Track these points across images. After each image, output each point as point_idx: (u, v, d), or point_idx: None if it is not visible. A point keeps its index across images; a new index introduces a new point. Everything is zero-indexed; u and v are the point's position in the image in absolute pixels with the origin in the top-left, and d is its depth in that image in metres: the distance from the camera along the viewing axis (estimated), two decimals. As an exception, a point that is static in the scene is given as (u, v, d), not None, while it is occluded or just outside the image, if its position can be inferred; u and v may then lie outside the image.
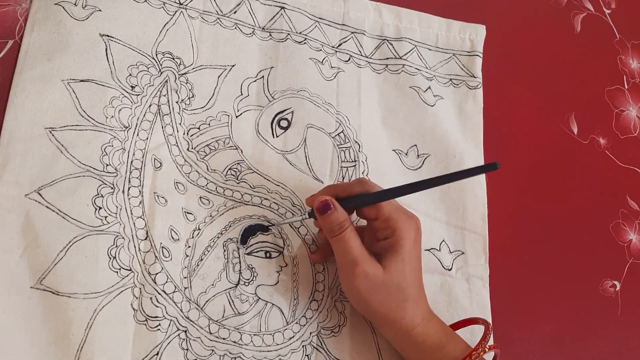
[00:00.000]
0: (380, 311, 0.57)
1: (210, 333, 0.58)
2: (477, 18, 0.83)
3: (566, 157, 0.82)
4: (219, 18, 0.69)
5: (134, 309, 0.57)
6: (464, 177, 0.57)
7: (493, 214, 0.74)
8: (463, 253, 0.71)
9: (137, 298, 0.57)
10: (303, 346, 0.61)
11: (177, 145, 0.63)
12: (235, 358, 0.58)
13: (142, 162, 0.61)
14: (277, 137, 0.68)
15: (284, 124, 0.68)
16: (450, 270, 0.70)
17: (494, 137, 0.78)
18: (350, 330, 0.63)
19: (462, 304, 0.69)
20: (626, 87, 0.90)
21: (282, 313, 0.62)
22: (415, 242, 0.59)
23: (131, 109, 0.62)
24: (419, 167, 0.73)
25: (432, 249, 0.70)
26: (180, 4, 0.68)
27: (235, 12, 0.70)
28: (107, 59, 0.63)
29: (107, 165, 0.60)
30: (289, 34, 0.71)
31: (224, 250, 0.61)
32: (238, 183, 0.64)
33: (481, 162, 0.76)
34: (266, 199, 0.65)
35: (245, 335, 0.59)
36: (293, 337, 0.61)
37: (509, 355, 0.69)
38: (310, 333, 0.62)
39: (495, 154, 0.77)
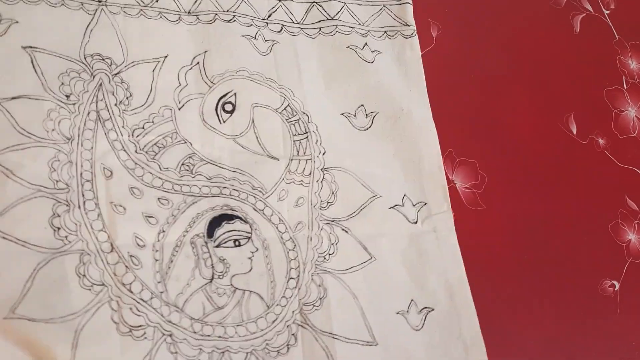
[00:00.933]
0: None
1: (195, 332, 0.58)
2: (477, 18, 0.83)
3: (565, 158, 0.82)
4: (142, 9, 0.67)
5: (115, 322, 0.56)
6: None
7: (493, 213, 0.74)
8: (426, 204, 0.72)
9: (116, 311, 0.56)
10: (287, 326, 0.62)
11: (124, 150, 0.62)
12: (223, 352, 0.59)
13: (92, 172, 0.60)
14: (224, 122, 0.66)
15: (228, 107, 0.67)
16: (416, 223, 0.71)
17: (494, 137, 0.78)
18: (331, 301, 0.64)
19: (432, 255, 0.70)
20: (625, 87, 0.90)
21: (262, 298, 0.62)
22: None
23: (70, 119, 0.60)
24: (369, 127, 0.73)
25: (395, 205, 0.71)
26: (100, 1, 0.65)
27: (157, 1, 0.68)
28: (35, 71, 0.60)
29: (57, 181, 0.58)
30: (216, 14, 0.70)
31: (193, 248, 0.61)
32: (194, 177, 0.63)
33: (428, 111, 0.76)
34: (225, 187, 0.64)
35: (229, 327, 0.60)
36: (276, 319, 0.62)
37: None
38: (293, 312, 0.62)
39: (494, 153, 0.77)
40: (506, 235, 0.74)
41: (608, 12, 0.94)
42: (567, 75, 0.87)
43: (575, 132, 0.83)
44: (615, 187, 0.83)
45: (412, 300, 0.68)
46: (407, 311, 0.67)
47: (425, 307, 0.68)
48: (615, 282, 0.77)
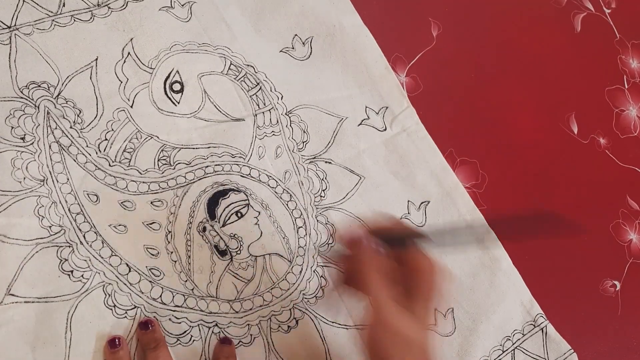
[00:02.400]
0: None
1: (237, 312, 0.60)
2: (477, 17, 0.81)
3: (566, 157, 0.81)
4: (53, 20, 0.63)
5: (165, 335, 0.57)
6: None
7: (494, 213, 0.74)
8: (387, 107, 0.74)
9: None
10: (314, 271, 0.65)
11: (99, 168, 0.60)
12: (269, 319, 0.61)
13: (79, 203, 0.58)
14: (178, 103, 0.65)
15: (176, 87, 0.66)
16: (385, 130, 0.73)
17: (494, 136, 0.77)
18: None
19: (410, 153, 0.73)
20: (626, 86, 0.89)
21: (281, 256, 0.64)
22: (430, 293, 0.53)
23: (36, 159, 0.58)
24: (310, 54, 0.73)
25: (362, 120, 0.72)
26: (9, 26, 0.61)
27: (64, 5, 0.64)
28: (-21, 125, 0.57)
29: (49, 227, 0.57)
30: (125, -4, 0.66)
31: (202, 236, 0.62)
32: (174, 167, 0.63)
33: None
34: (207, 166, 0.64)
35: (266, 294, 0.62)
36: (301, 269, 0.64)
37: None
38: (313, 257, 0.65)
39: (495, 153, 0.77)
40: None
41: (609, 11, 0.92)
42: (568, 75, 0.86)
43: (576, 132, 0.83)
44: (617, 186, 0.83)
45: (408, 200, 0.71)
46: (409, 212, 0.71)
47: (422, 202, 0.71)
48: (616, 282, 0.78)
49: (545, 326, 0.70)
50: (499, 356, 0.67)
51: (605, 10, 0.92)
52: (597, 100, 0.87)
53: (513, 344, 0.69)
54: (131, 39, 0.65)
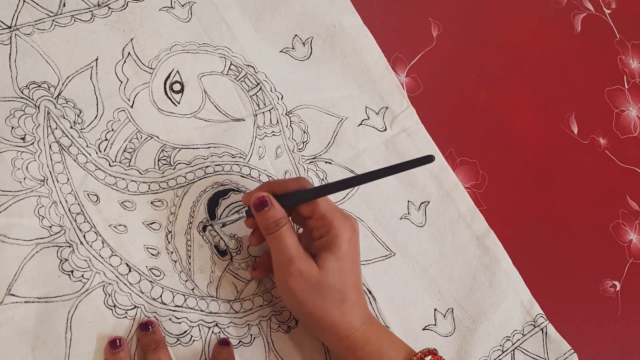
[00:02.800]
0: (316, 313, 0.55)
1: (237, 312, 0.60)
2: (477, 17, 0.81)
3: (566, 157, 0.81)
4: (53, 20, 0.63)
5: (165, 335, 0.57)
6: (400, 170, 0.55)
7: (494, 213, 0.74)
8: (387, 107, 0.74)
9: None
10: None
11: (99, 168, 0.60)
12: (269, 319, 0.61)
13: (79, 204, 0.58)
14: (178, 103, 0.65)
15: (177, 87, 0.66)
16: (385, 130, 0.73)
17: (494, 137, 0.77)
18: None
19: (410, 153, 0.73)
20: (626, 87, 0.89)
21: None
22: (351, 241, 0.56)
23: (36, 159, 0.58)
24: (310, 54, 0.73)
25: (362, 121, 0.72)
26: (9, 26, 0.61)
27: (64, 5, 0.64)
28: (-20, 126, 0.57)
29: (50, 227, 0.57)
30: (126, -3, 0.67)
31: (202, 236, 0.62)
32: (174, 167, 0.63)
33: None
34: (207, 166, 0.64)
35: (266, 294, 0.62)
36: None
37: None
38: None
39: (495, 153, 0.76)
40: (507, 234, 0.73)
41: (609, 11, 0.92)
42: (568, 75, 0.86)
43: (576, 132, 0.83)
44: (617, 187, 0.83)
45: (408, 201, 0.71)
46: (409, 213, 0.71)
47: (422, 203, 0.72)
48: (616, 283, 0.77)
49: (546, 326, 0.70)
50: (498, 356, 0.68)
51: (605, 11, 0.91)
52: (597, 100, 0.87)
53: (513, 344, 0.69)
54: (131, 39, 0.65)
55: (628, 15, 0.93)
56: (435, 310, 0.68)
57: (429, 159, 0.52)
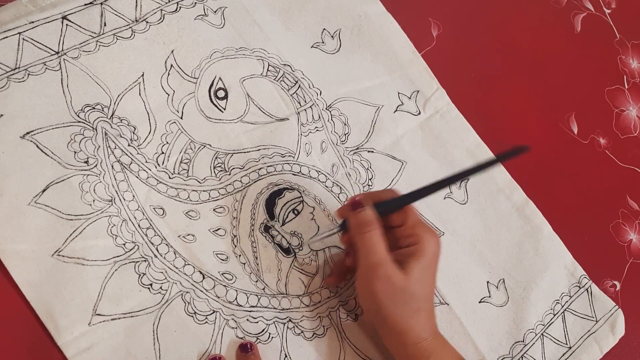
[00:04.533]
0: (392, 318, 0.56)
1: (307, 306, 0.63)
2: (477, 17, 0.81)
3: (566, 157, 0.81)
4: (97, 41, 0.64)
5: (240, 338, 0.60)
6: (489, 166, 0.58)
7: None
8: (419, 91, 0.76)
9: (235, 328, 0.60)
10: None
11: (161, 182, 0.62)
12: (337, 309, 0.64)
13: (147, 218, 0.60)
14: (224, 109, 0.67)
15: (221, 94, 0.67)
16: (419, 114, 0.75)
17: (494, 136, 0.77)
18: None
19: (445, 133, 0.75)
20: (626, 87, 0.89)
21: (339, 247, 0.66)
22: (435, 255, 0.59)
23: (102, 181, 0.60)
24: (340, 46, 0.75)
25: (397, 107, 0.75)
26: (57, 52, 0.62)
27: (105, 25, 0.65)
28: (45, 153, 0.59)
29: (124, 244, 0.59)
30: (161, 10, 0.68)
31: (265, 237, 0.64)
32: (230, 173, 0.65)
33: (380, 5, 0.78)
34: (260, 168, 0.66)
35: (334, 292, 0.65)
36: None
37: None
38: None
39: (495, 153, 0.77)
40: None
41: (609, 11, 0.92)
42: (568, 75, 0.87)
43: (576, 132, 0.83)
44: (617, 187, 0.83)
45: (449, 180, 0.73)
46: (451, 192, 0.73)
47: (462, 181, 0.74)
48: (616, 282, 0.78)
49: (590, 286, 0.74)
50: (551, 320, 0.71)
51: (605, 11, 0.92)
52: (597, 100, 0.87)
53: (562, 307, 0.72)
54: (172, 51, 0.67)
55: (628, 15, 0.94)
56: (487, 282, 0.71)
57: (524, 149, 0.55)
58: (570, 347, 0.71)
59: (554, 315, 0.71)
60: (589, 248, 0.78)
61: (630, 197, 0.83)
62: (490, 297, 0.70)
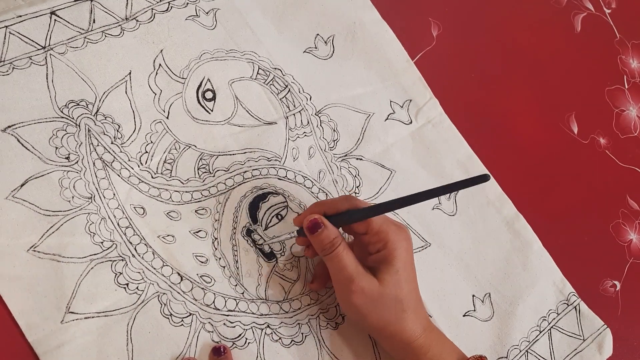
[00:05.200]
0: (380, 325, 0.57)
1: (287, 312, 0.62)
2: (477, 17, 0.81)
3: (566, 157, 0.81)
4: (85, 37, 0.64)
5: (216, 342, 0.59)
6: (454, 189, 0.58)
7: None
8: (411, 100, 0.76)
9: (212, 332, 0.59)
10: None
11: (142, 180, 0.61)
12: (317, 317, 0.63)
13: (127, 217, 0.60)
14: (211, 111, 0.66)
15: (209, 95, 0.67)
16: (411, 123, 0.75)
17: (494, 136, 0.77)
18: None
19: (436, 143, 0.75)
20: (626, 86, 0.89)
21: (323, 255, 0.65)
22: (407, 251, 0.58)
23: (82, 178, 0.59)
24: (333, 52, 0.74)
25: (389, 115, 0.74)
26: (44, 47, 0.62)
27: (94, 21, 0.64)
28: (26, 147, 0.58)
29: (102, 242, 0.58)
30: (152, 9, 0.67)
31: (247, 240, 0.63)
32: (214, 175, 0.64)
33: (376, 13, 0.77)
34: (245, 171, 0.65)
35: (313, 292, 0.64)
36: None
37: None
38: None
39: (495, 153, 0.77)
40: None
41: (609, 11, 0.92)
42: (568, 75, 0.86)
43: (576, 132, 0.83)
44: (617, 186, 0.83)
45: (438, 191, 0.72)
46: (440, 203, 0.72)
47: (452, 192, 0.73)
48: (616, 282, 0.77)
49: (579, 304, 0.73)
50: (536, 337, 0.70)
51: (605, 10, 0.92)
52: (597, 100, 0.87)
53: (549, 324, 0.71)
54: (161, 51, 0.66)
55: (628, 15, 0.93)
56: (473, 296, 0.70)
57: (484, 178, 0.53)
58: (555, 366, 0.70)
59: (540, 332, 0.70)
60: (589, 248, 0.78)
61: (630, 197, 0.83)
62: (475, 310, 0.69)
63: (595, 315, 0.73)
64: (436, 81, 0.77)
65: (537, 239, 0.74)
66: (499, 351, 0.68)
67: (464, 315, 0.68)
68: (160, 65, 0.66)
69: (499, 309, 0.70)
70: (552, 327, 0.71)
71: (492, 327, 0.69)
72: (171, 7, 0.68)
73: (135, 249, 0.59)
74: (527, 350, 0.69)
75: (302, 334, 0.62)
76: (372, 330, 0.59)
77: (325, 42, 0.74)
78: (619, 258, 0.79)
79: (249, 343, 0.60)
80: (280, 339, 0.61)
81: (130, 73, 0.64)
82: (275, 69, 0.70)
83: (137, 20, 0.66)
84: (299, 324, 0.62)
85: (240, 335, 0.60)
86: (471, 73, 0.81)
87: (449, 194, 0.73)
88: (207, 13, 0.69)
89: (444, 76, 0.78)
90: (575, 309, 0.73)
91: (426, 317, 0.60)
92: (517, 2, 0.88)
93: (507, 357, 0.68)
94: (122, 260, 0.58)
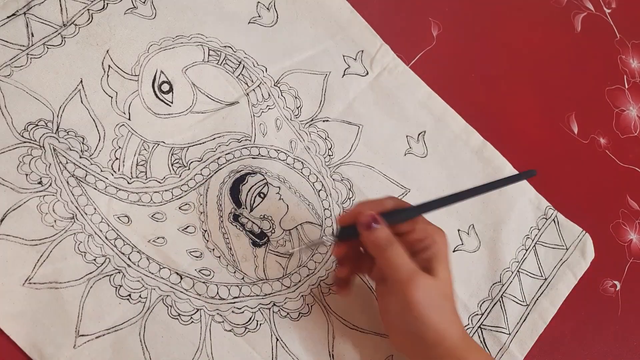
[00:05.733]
0: (434, 327, 0.54)
1: (289, 287, 0.63)
2: (477, 17, 0.80)
3: (566, 157, 0.80)
4: (27, 54, 0.61)
5: (227, 330, 0.60)
6: (500, 186, 0.59)
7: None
8: (363, 50, 0.75)
9: (222, 322, 0.60)
10: (344, 228, 0.67)
11: (119, 189, 0.61)
12: (318, 285, 0.64)
13: (113, 229, 0.59)
14: (171, 103, 0.65)
15: (165, 87, 0.65)
16: (367, 74, 0.75)
17: (494, 136, 0.76)
18: (358, 184, 0.70)
19: (396, 89, 0.75)
20: (626, 86, 0.87)
21: (311, 223, 0.66)
22: (448, 253, 0.58)
23: (60, 199, 0.58)
24: (277, 18, 0.73)
25: (345, 71, 0.74)
26: (-13, 74, 0.59)
27: (33, 35, 0.62)
28: (-5, 182, 0.57)
29: (94, 259, 0.58)
30: (88, 10, 0.65)
31: (235, 225, 0.63)
32: (189, 168, 0.64)
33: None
34: (219, 157, 0.65)
35: (310, 263, 0.65)
36: (333, 229, 0.67)
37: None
38: (339, 215, 0.68)
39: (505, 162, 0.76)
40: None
41: (609, 11, 0.90)
42: (568, 75, 0.86)
43: (576, 132, 0.83)
44: (617, 186, 0.83)
45: (407, 136, 0.74)
46: (410, 147, 0.73)
47: (419, 133, 0.74)
48: (616, 282, 0.78)
49: (556, 216, 0.76)
50: (524, 255, 0.73)
51: (606, 10, 0.91)
52: (597, 100, 0.86)
53: (533, 241, 0.74)
54: (107, 51, 0.64)
55: (628, 14, 0.93)
56: (458, 230, 0.72)
57: (531, 174, 0.57)
58: (545, 279, 0.73)
59: (526, 250, 0.73)
60: (589, 248, 0.79)
61: (630, 197, 0.83)
62: (463, 244, 0.71)
63: (573, 223, 0.76)
64: (436, 81, 0.77)
65: (507, 163, 0.76)
66: (492, 277, 0.71)
67: (454, 251, 0.71)
68: (109, 66, 0.64)
69: (484, 237, 0.72)
70: (536, 243, 0.74)
71: (481, 255, 0.72)
72: (106, 4, 0.66)
73: (129, 259, 0.59)
74: (518, 270, 0.72)
75: (307, 304, 0.63)
76: (419, 338, 0.55)
77: (268, 9, 0.73)
78: (619, 258, 0.79)
79: (260, 325, 0.61)
80: (288, 314, 0.62)
81: (81, 81, 0.63)
82: (225, 47, 0.69)
83: (76, 25, 0.64)
84: (302, 295, 0.63)
85: (250, 319, 0.61)
86: (471, 73, 0.81)
87: (417, 138, 0.74)
88: (144, 3, 0.67)
89: (444, 76, 0.78)
90: (554, 221, 0.76)
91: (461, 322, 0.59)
92: (517, 2, 0.87)
93: (500, 281, 0.71)
94: (119, 272, 0.58)
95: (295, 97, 0.70)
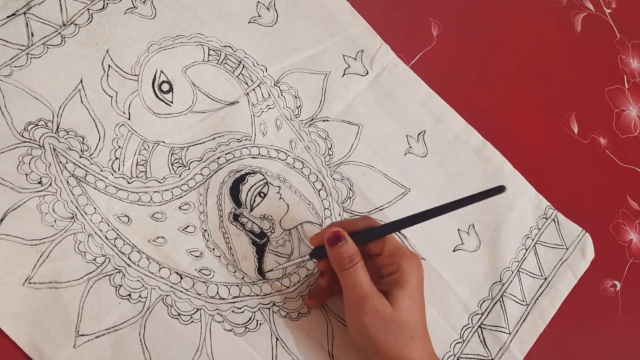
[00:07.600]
0: (387, 350, 0.55)
1: (288, 287, 0.63)
2: (477, 17, 0.79)
3: (566, 157, 0.81)
4: (27, 54, 0.61)
5: (228, 330, 0.60)
6: (472, 202, 0.57)
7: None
8: (363, 50, 0.75)
9: (222, 322, 0.60)
10: (344, 227, 0.67)
11: (119, 188, 0.61)
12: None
13: (113, 229, 0.59)
14: (171, 103, 0.65)
15: (165, 87, 0.65)
16: (367, 74, 0.75)
17: (494, 136, 0.76)
18: (358, 184, 0.70)
19: (396, 89, 0.75)
20: (626, 86, 0.87)
21: (311, 222, 0.66)
22: (419, 279, 0.58)
23: (59, 199, 0.58)
24: (277, 18, 0.73)
25: (345, 70, 0.74)
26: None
27: (33, 35, 0.62)
28: None
29: (94, 259, 0.58)
30: (88, 9, 0.65)
31: (235, 225, 0.63)
32: (189, 167, 0.64)
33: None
34: (219, 157, 0.65)
35: (309, 263, 0.65)
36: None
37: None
38: (339, 214, 0.68)
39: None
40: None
41: (609, 11, 0.90)
42: (568, 75, 0.86)
43: (576, 132, 0.83)
44: (617, 186, 0.83)
45: (407, 135, 0.74)
46: (410, 147, 0.73)
47: (419, 133, 0.74)
48: (616, 282, 0.77)
49: (556, 215, 0.76)
50: (524, 255, 0.73)
51: (606, 10, 0.91)
52: (597, 100, 0.87)
53: (533, 240, 0.74)
54: (107, 51, 0.64)
55: (628, 14, 0.93)
56: (458, 230, 0.72)
57: (500, 190, 0.55)
58: (545, 278, 0.73)
59: (526, 250, 0.73)
60: (589, 248, 0.79)
61: (630, 197, 0.83)
62: (463, 244, 0.71)
63: (573, 223, 0.76)
64: (436, 81, 0.77)
65: (507, 162, 0.76)
66: (492, 277, 0.71)
67: (454, 251, 0.71)
68: (109, 66, 0.64)
69: (484, 237, 0.72)
70: (536, 242, 0.74)
71: (481, 255, 0.72)
72: (107, 4, 0.66)
73: (129, 258, 0.59)
74: (518, 270, 0.72)
75: (306, 305, 0.63)
76: (378, 355, 0.56)
77: (268, 8, 0.73)
78: (619, 258, 0.79)
79: (260, 324, 0.61)
80: (287, 314, 0.62)
81: (81, 81, 0.63)
82: (226, 46, 0.69)
83: (76, 24, 0.64)
84: (301, 296, 0.63)
85: (250, 318, 0.61)
86: (471, 73, 0.81)
87: (417, 137, 0.74)
88: (144, 3, 0.67)
89: (444, 76, 0.78)
90: (554, 221, 0.76)
91: (432, 349, 0.59)
92: (517, 2, 0.87)
93: (500, 281, 0.71)
94: (119, 272, 0.58)
95: (295, 97, 0.70)
